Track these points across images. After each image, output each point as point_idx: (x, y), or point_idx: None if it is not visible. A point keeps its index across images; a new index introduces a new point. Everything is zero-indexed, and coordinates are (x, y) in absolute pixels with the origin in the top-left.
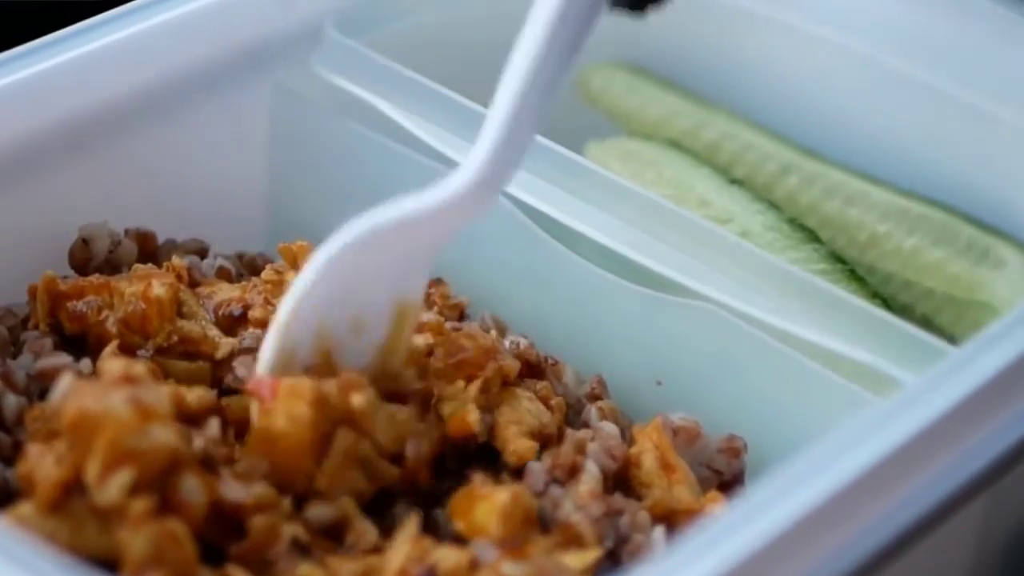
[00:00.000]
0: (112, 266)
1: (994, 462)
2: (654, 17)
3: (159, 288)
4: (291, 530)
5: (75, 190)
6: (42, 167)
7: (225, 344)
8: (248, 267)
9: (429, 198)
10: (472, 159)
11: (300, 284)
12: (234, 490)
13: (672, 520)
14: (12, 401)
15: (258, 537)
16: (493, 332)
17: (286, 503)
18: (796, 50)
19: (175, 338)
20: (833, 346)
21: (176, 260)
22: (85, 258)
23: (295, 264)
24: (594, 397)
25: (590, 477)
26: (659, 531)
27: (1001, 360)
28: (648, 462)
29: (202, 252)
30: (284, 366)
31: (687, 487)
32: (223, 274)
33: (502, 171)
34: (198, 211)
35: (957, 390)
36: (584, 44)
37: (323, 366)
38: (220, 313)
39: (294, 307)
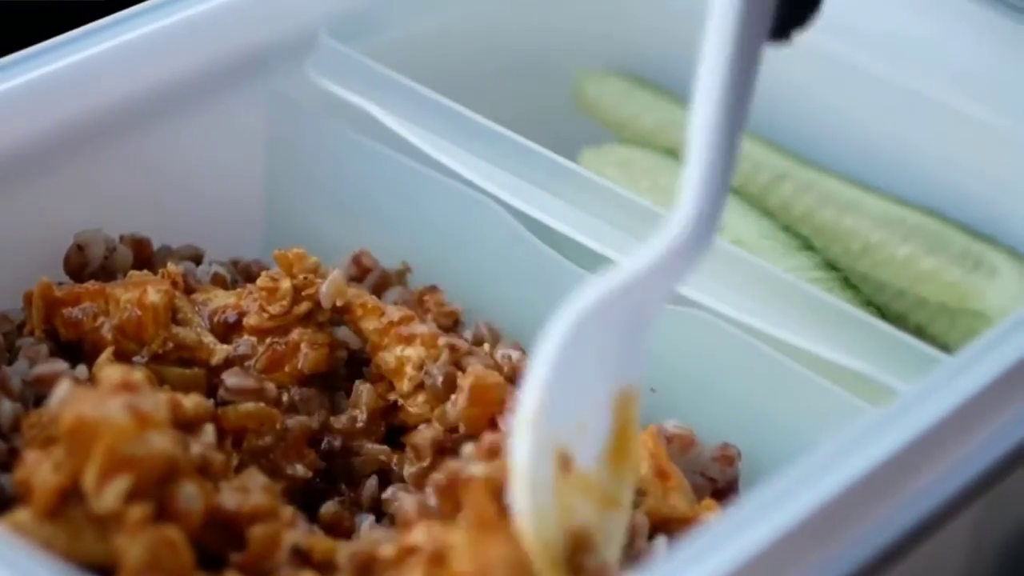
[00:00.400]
0: (107, 272)
1: (987, 470)
2: (647, 24)
3: (154, 295)
4: (291, 538)
5: (70, 196)
6: (37, 173)
7: (220, 351)
8: (243, 274)
9: (649, 251)
10: (684, 200)
11: (536, 378)
12: (232, 499)
13: (667, 527)
14: (8, 407)
15: (257, 546)
16: (487, 345)
17: (287, 512)
18: (789, 59)
19: (170, 345)
20: (827, 354)
21: (171, 267)
22: (80, 264)
23: (290, 271)
24: None
25: None
26: (661, 539)
27: (994, 369)
28: (643, 469)
29: (197, 258)
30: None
31: (682, 494)
32: (218, 281)
33: (716, 205)
34: (193, 217)
35: (951, 399)
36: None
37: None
38: (215, 320)
39: (538, 402)
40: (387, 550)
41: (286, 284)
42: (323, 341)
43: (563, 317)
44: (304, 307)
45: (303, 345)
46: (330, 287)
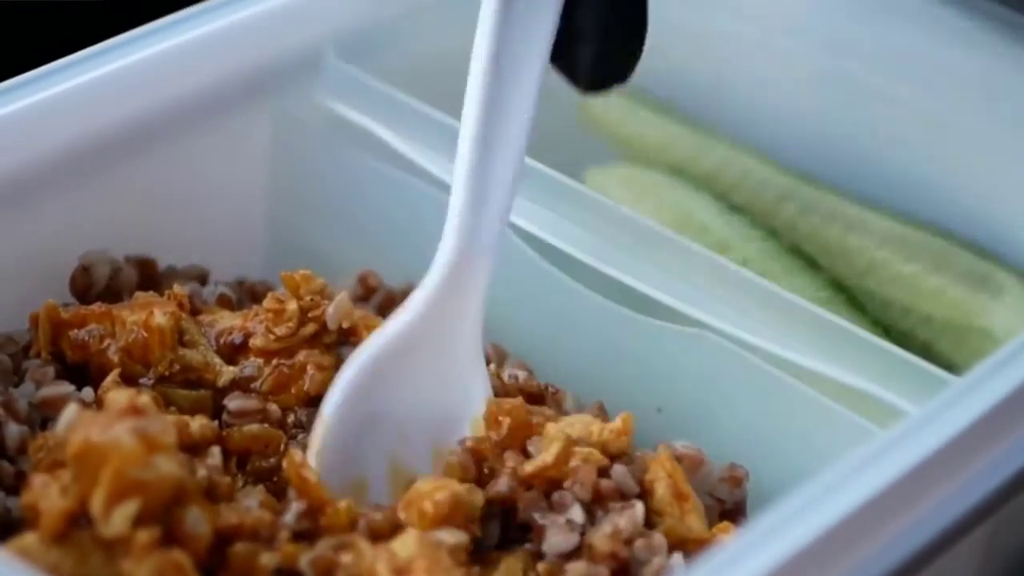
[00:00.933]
0: (113, 293)
1: (996, 491)
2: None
3: (161, 317)
4: (272, 559)
5: (76, 217)
6: (44, 194)
7: (227, 372)
8: (248, 294)
9: (425, 288)
10: (448, 228)
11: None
12: (232, 516)
13: (684, 548)
14: (14, 430)
15: (238, 564)
16: (493, 365)
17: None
18: (796, 76)
19: (177, 367)
20: (834, 375)
21: (177, 288)
22: (86, 285)
23: (297, 293)
24: None
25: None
26: (677, 557)
27: (1002, 390)
28: (661, 490)
29: (203, 278)
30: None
31: (698, 516)
32: (224, 301)
33: (483, 230)
34: (199, 237)
35: (959, 420)
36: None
37: None
38: (221, 341)
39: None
40: (347, 558)
41: (292, 306)
42: (329, 363)
43: (351, 362)
44: (310, 329)
45: (309, 367)
46: (337, 309)
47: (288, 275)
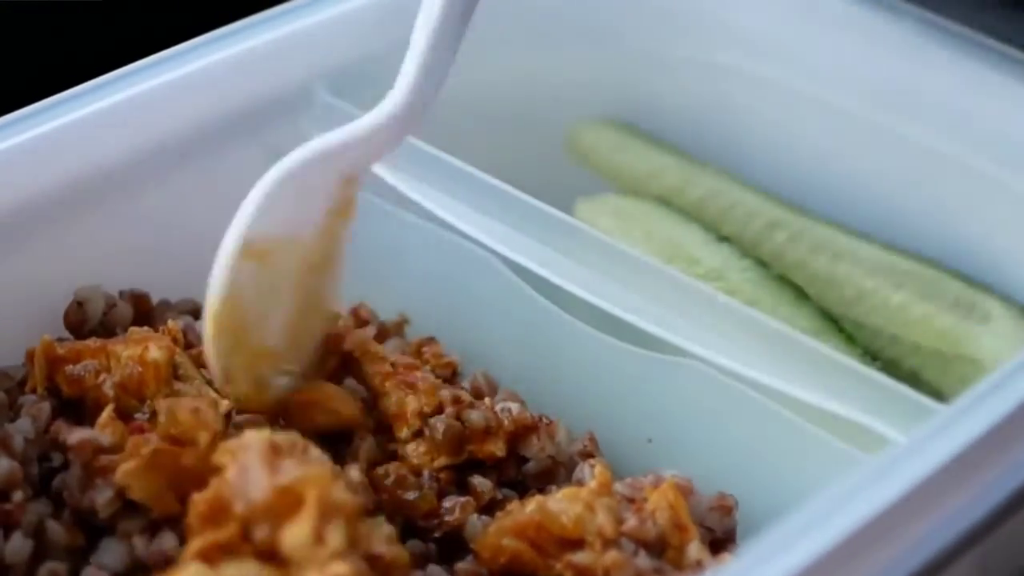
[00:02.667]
0: (107, 327)
1: (983, 520)
2: (639, 75)
3: (155, 351)
4: None
5: (70, 253)
6: (38, 230)
7: (222, 406)
8: None
9: (363, 123)
10: (397, 91)
11: (243, 215)
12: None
13: None
14: (5, 465)
15: None
16: (488, 399)
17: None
18: (783, 107)
19: None
20: (821, 404)
21: (172, 323)
22: (80, 320)
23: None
24: (586, 455)
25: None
26: None
27: (989, 419)
28: (663, 520)
29: (196, 312)
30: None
31: (697, 547)
32: None
33: (424, 100)
34: (191, 271)
35: (946, 448)
36: None
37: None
38: None
39: (240, 236)
40: None
41: None
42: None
43: (275, 169)
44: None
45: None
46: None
47: None
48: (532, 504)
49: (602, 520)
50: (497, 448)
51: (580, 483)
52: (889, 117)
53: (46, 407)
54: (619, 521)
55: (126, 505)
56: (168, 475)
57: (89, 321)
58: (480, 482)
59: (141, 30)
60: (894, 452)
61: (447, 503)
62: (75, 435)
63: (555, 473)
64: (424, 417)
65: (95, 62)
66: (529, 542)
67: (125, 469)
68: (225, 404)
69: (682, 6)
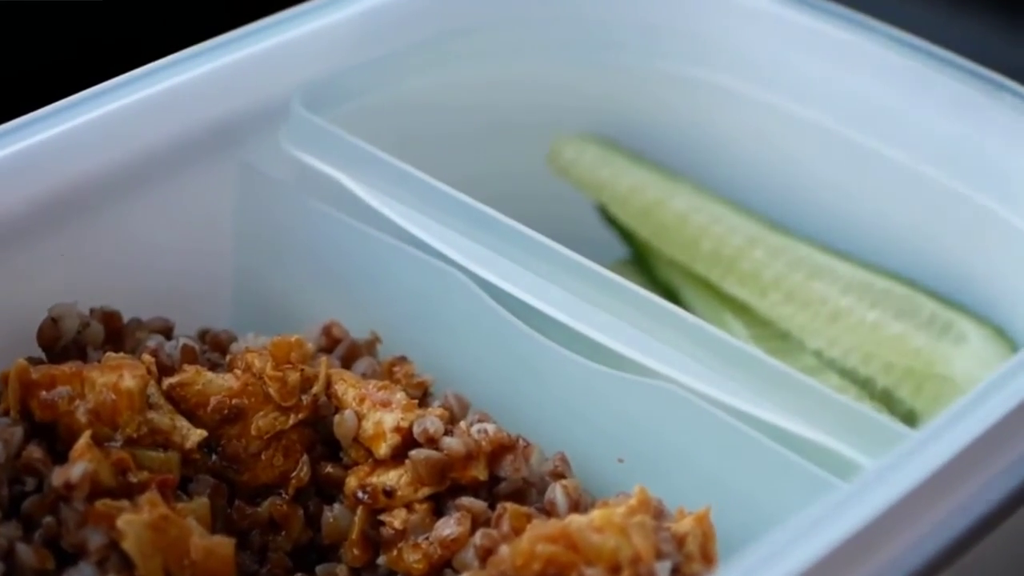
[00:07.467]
0: (79, 346)
1: (953, 544)
2: (622, 89)
3: (130, 380)
4: None
5: (41, 269)
6: (10, 247)
7: (194, 435)
8: (212, 344)
9: None
10: None
11: None
12: None
13: None
14: None
15: None
16: (463, 423)
17: None
18: (764, 124)
19: (144, 429)
20: (794, 429)
21: (146, 357)
22: (54, 337)
23: (287, 359)
24: (557, 475)
25: None
26: None
27: (959, 443)
28: (692, 546)
29: (167, 331)
30: None
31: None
32: (187, 353)
33: None
34: (163, 289)
35: (915, 474)
36: None
37: None
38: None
39: None
40: None
41: (294, 376)
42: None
43: None
44: (305, 413)
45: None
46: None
47: (280, 341)
48: (563, 524)
49: (638, 543)
50: (479, 472)
51: (552, 503)
52: (867, 136)
53: (19, 431)
54: (654, 546)
55: (112, 546)
56: (167, 543)
57: (63, 338)
58: (471, 502)
59: (124, 40)
60: (863, 478)
61: (443, 528)
62: (76, 470)
63: (526, 493)
64: (402, 432)
65: (71, 72)
66: (564, 545)
67: (128, 519)
68: (197, 434)
69: (664, 22)
